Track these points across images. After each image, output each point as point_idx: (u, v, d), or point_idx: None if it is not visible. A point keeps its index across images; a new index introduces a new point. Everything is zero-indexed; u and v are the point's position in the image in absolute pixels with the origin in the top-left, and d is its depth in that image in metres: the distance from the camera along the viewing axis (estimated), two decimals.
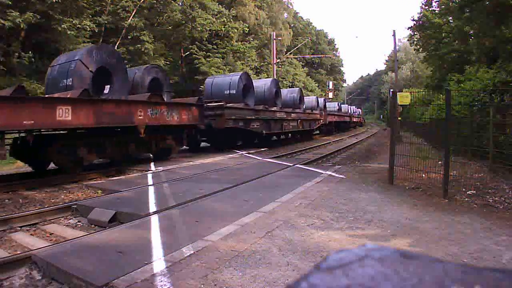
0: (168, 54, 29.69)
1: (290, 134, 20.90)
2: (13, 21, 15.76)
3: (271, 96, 17.52)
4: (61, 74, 8.83)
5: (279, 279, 2.71)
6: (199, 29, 27.82)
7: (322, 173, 7.84)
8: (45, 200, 6.28)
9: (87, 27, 19.91)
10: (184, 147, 13.88)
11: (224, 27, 31.29)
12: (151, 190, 6.22)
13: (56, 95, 8.05)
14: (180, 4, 28.46)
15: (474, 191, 5.71)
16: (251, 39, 37.80)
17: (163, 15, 27.27)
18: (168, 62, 29.42)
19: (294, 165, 9.51)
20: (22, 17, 16.07)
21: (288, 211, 4.68)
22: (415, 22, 22.91)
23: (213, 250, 3.30)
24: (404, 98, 11.95)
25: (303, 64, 57.51)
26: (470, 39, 17.09)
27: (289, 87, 35.82)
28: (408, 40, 27.75)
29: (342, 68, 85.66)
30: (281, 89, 20.29)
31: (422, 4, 21.62)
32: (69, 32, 18.57)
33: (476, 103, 9.13)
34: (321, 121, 25.14)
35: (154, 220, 4.37)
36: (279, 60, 36.14)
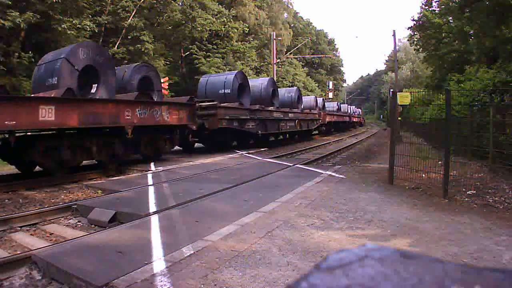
0: (168, 54, 29.70)
1: (287, 135, 20.60)
2: (13, 21, 15.76)
3: (268, 95, 17.19)
4: (47, 73, 8.56)
5: (279, 279, 2.71)
6: (199, 29, 27.83)
7: (322, 173, 7.84)
8: (45, 200, 6.28)
9: (87, 27, 19.91)
10: (178, 148, 13.62)
11: (224, 27, 31.30)
12: (151, 190, 6.22)
13: (40, 94, 7.85)
14: (180, 4, 28.47)
15: (474, 191, 5.71)
16: (251, 39, 37.82)
17: (163, 15, 27.28)
18: (168, 62, 29.43)
19: (294, 165, 9.51)
20: (22, 17, 16.07)
21: (288, 211, 4.68)
22: (415, 22, 22.92)
23: (213, 250, 3.30)
24: (404, 98, 11.97)
25: (303, 64, 57.51)
26: (470, 39, 17.09)
27: (289, 87, 35.83)
28: (408, 40, 27.75)
29: (342, 68, 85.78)
30: (278, 89, 20.07)
31: (422, 4, 21.64)
32: (69, 32, 18.57)
33: (476, 103, 9.13)
34: (320, 121, 24.91)
35: (154, 220, 4.37)
36: (279, 60, 36.14)
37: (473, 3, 12.25)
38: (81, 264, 3.01)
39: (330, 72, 74.41)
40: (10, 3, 15.46)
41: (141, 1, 24.74)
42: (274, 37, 29.17)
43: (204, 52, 30.24)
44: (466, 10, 13.57)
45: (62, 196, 6.56)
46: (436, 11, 19.99)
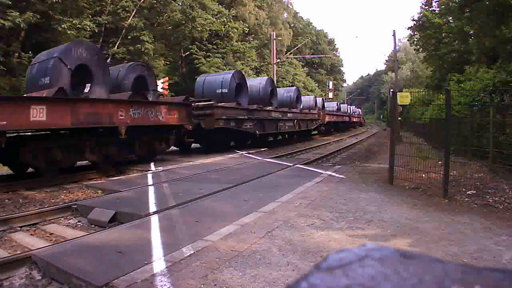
0: (168, 54, 29.72)
1: (286, 135, 20.36)
2: (13, 21, 15.77)
3: (266, 95, 16.99)
4: (40, 73, 8.42)
5: (279, 279, 2.71)
6: (199, 29, 27.85)
7: (322, 173, 7.84)
8: (45, 200, 6.28)
9: (87, 27, 19.93)
10: (174, 148, 13.46)
11: (224, 27, 31.32)
12: (151, 190, 6.22)
13: (33, 94, 7.73)
14: (180, 4, 28.49)
15: (474, 191, 5.71)
16: (251, 39, 37.84)
17: (163, 15, 27.29)
18: (168, 62, 29.44)
19: (294, 165, 9.51)
20: (22, 17, 16.08)
21: (288, 211, 4.68)
22: (415, 22, 22.92)
23: (213, 250, 3.30)
24: (404, 98, 11.98)
25: (303, 64, 57.53)
26: (470, 39, 17.09)
27: (288, 87, 35.78)
28: (408, 40, 27.75)
29: (342, 68, 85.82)
30: (277, 89, 19.86)
31: (422, 4, 21.64)
32: (69, 32, 18.59)
33: (476, 103, 9.13)
34: (319, 121, 24.73)
35: (154, 220, 4.37)
36: (279, 60, 36.15)
37: (473, 3, 12.26)
38: (81, 264, 3.01)
39: (330, 72, 74.44)
40: (10, 3, 15.48)
41: (141, 1, 24.75)
42: (274, 37, 29.17)
43: (204, 52, 30.26)
44: (466, 10, 13.57)
45: (62, 196, 6.56)
46: (436, 11, 20.00)
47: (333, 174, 7.76)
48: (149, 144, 10.14)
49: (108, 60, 22.54)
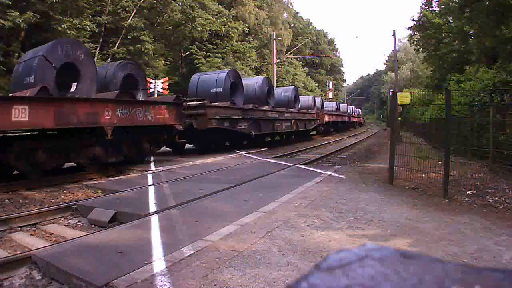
0: (168, 54, 29.74)
1: (284, 135, 19.99)
2: (13, 21, 15.78)
3: (262, 94, 16.56)
4: (25, 71, 8.16)
5: (279, 279, 2.71)
6: (199, 29, 27.86)
7: (322, 173, 7.84)
8: (45, 200, 6.28)
9: (87, 27, 19.94)
10: (168, 149, 13.28)
11: (224, 27, 31.34)
12: (151, 190, 6.22)
13: (17, 94, 7.50)
14: (180, 4, 28.50)
15: (474, 191, 5.71)
16: (251, 39, 37.86)
17: (163, 15, 27.30)
18: (168, 62, 29.46)
19: (294, 165, 9.51)
20: (22, 17, 16.09)
21: (288, 211, 4.68)
22: (415, 22, 22.92)
23: (213, 250, 3.30)
24: (404, 98, 11.98)
25: (303, 64, 57.55)
26: (470, 39, 17.09)
27: (286, 87, 35.70)
28: (408, 40, 27.75)
29: (342, 68, 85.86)
30: (275, 88, 19.52)
31: (422, 4, 21.64)
32: (69, 32, 18.59)
33: (476, 103, 9.13)
34: (318, 121, 24.43)
35: (154, 220, 4.37)
36: (279, 60, 36.15)
37: (473, 3, 12.26)
38: (81, 264, 3.02)
39: (330, 72, 74.46)
40: (10, 3, 15.48)
41: (141, 1, 24.76)
42: (274, 37, 29.16)
43: (204, 52, 30.27)
44: (466, 10, 13.57)
45: (62, 196, 6.56)
46: (436, 11, 20.00)
47: (333, 174, 7.76)
48: (138, 145, 9.80)
49: (108, 60, 22.54)
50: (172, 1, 26.76)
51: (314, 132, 26.77)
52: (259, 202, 5.18)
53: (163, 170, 8.68)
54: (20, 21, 15.95)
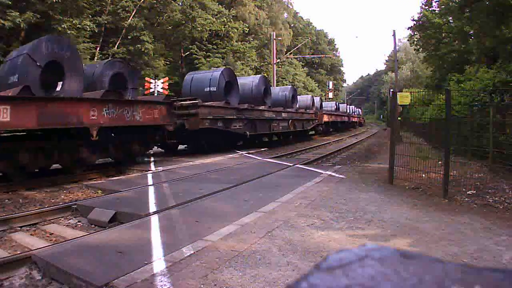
0: (168, 54, 29.74)
1: (281, 136, 19.61)
2: (13, 21, 15.78)
3: (259, 94, 16.10)
4: (10, 70, 7.94)
5: (279, 279, 2.71)
6: (199, 29, 27.86)
7: (322, 173, 7.84)
8: (45, 200, 6.28)
9: (87, 27, 19.93)
10: (161, 150, 13.13)
11: (224, 27, 31.35)
12: (151, 190, 6.22)
13: (1, 93, 7.18)
14: (180, 4, 28.50)
15: (474, 191, 5.71)
16: (251, 39, 37.87)
17: (163, 15, 27.31)
18: (168, 62, 29.46)
19: (294, 165, 9.51)
20: (22, 17, 16.08)
21: (288, 211, 4.68)
22: (415, 22, 22.92)
23: (213, 250, 3.30)
24: (404, 98, 11.98)
25: (303, 64, 57.58)
26: (470, 39, 17.10)
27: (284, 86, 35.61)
28: (408, 40, 27.75)
29: (342, 68, 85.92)
30: (272, 87, 19.12)
31: (422, 4, 21.64)
32: (69, 32, 18.58)
33: (476, 103, 9.14)
34: (316, 121, 24.14)
35: (154, 220, 4.37)
36: (279, 60, 36.16)
37: (473, 3, 12.26)
38: (81, 264, 3.02)
39: (330, 72, 74.49)
40: (10, 3, 15.47)
41: (141, 1, 24.76)
42: (274, 37, 29.17)
43: (204, 52, 30.28)
44: (466, 10, 13.57)
45: (62, 196, 6.56)
46: (436, 11, 20.01)
47: (333, 174, 7.76)
48: (127, 146, 9.50)
49: None
50: (172, 1, 26.76)
51: (313, 132, 26.70)
52: (259, 202, 5.18)
53: (163, 170, 8.68)
54: (20, 21, 15.95)
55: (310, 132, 25.57)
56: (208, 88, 13.68)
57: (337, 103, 39.85)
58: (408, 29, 24.07)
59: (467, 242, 3.52)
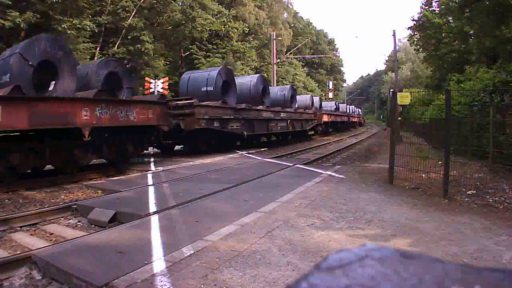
0: (168, 54, 29.73)
1: (280, 136, 19.47)
2: (13, 21, 15.77)
3: (257, 94, 15.86)
4: (2, 70, 7.82)
5: (279, 279, 2.71)
6: (199, 29, 27.86)
7: (322, 173, 7.84)
8: (45, 200, 6.28)
9: (87, 27, 19.92)
10: (157, 151, 12.98)
11: (224, 27, 31.34)
12: (151, 190, 6.22)
13: None
14: (180, 4, 28.49)
15: (474, 191, 5.71)
16: (251, 39, 37.86)
17: (163, 15, 27.30)
18: (168, 62, 29.45)
19: (294, 165, 9.51)
20: (22, 17, 16.08)
21: (288, 211, 4.68)
22: (415, 22, 22.92)
23: (213, 250, 3.30)
24: (404, 98, 11.97)
25: (303, 64, 57.57)
26: (470, 39, 17.10)
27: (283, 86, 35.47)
28: (408, 40, 27.75)
29: (342, 68, 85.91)
30: (271, 87, 18.91)
31: (422, 4, 21.64)
32: (69, 32, 18.58)
33: (476, 103, 9.14)
34: (315, 121, 24.00)
35: (154, 220, 4.37)
36: (279, 60, 36.15)
37: (473, 3, 12.26)
38: (81, 264, 3.02)
39: (330, 72, 74.48)
40: (10, 3, 15.47)
41: (141, 1, 24.75)
42: (274, 37, 29.17)
43: (204, 52, 30.27)
44: (466, 10, 13.57)
45: (62, 196, 6.56)
46: (436, 11, 20.01)
47: (333, 174, 7.76)
48: (120, 147, 9.28)
49: None
50: (172, 1, 26.75)
51: (313, 133, 26.67)
52: (259, 202, 5.18)
53: (163, 170, 8.68)
54: (20, 21, 15.94)
55: (310, 132, 25.49)
56: (205, 87, 13.49)
57: (336, 103, 39.81)
58: (408, 29, 24.09)
59: (467, 242, 3.52)
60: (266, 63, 40.06)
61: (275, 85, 27.14)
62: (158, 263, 3.00)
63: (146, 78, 20.17)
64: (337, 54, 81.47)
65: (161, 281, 2.67)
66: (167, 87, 19.64)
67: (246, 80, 16.60)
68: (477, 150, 8.34)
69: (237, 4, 36.80)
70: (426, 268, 0.34)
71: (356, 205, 4.94)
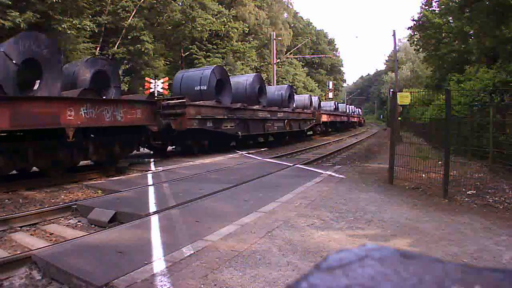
0: (168, 54, 29.73)
1: (277, 136, 19.10)
2: (13, 21, 15.76)
3: (253, 93, 15.43)
4: None
5: (279, 279, 2.71)
6: (199, 29, 27.85)
7: (322, 173, 7.84)
8: (45, 200, 6.28)
9: (87, 27, 19.91)
10: (150, 151, 12.83)
11: (224, 27, 31.33)
12: (151, 190, 6.22)
13: None
14: (180, 4, 28.49)
15: (474, 191, 5.71)
16: (251, 39, 37.86)
17: (163, 15, 27.29)
18: (168, 62, 29.45)
19: (294, 165, 9.51)
20: (22, 17, 16.07)
21: (288, 211, 4.68)
22: (415, 22, 22.91)
23: (213, 250, 3.30)
24: (404, 98, 11.96)
25: (303, 64, 57.55)
26: (470, 39, 17.10)
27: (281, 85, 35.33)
28: (408, 40, 27.73)
29: (342, 68, 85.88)
30: (268, 86, 18.68)
31: (422, 4, 21.63)
32: (69, 32, 18.57)
33: (476, 103, 9.14)
34: (314, 121, 23.69)
35: (154, 220, 4.37)
36: (279, 60, 36.15)
37: (473, 3, 12.26)
38: (81, 264, 3.02)
39: (330, 72, 74.46)
40: (10, 3, 15.46)
41: (141, 1, 24.74)
42: (274, 37, 29.16)
43: (204, 52, 30.27)
44: (466, 10, 13.57)
45: (62, 196, 6.57)
46: (436, 11, 20.00)
47: (333, 174, 7.76)
48: (107, 148, 9.00)
49: None
50: (172, 1, 26.74)
51: (311, 133, 26.60)
52: (259, 202, 5.18)
53: (163, 170, 8.68)
54: (20, 21, 15.93)
55: (309, 133, 25.39)
56: (199, 86, 13.10)
57: (336, 102, 39.73)
58: (408, 29, 24.08)
59: (467, 242, 3.52)
60: (266, 63, 40.06)
61: (275, 85, 27.13)
62: (158, 263, 3.00)
63: (146, 78, 20.17)
64: (337, 54, 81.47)
65: (161, 281, 2.67)
66: (167, 87, 19.64)
67: (242, 79, 16.21)
68: (477, 150, 8.34)
69: (237, 4, 36.79)
70: (426, 268, 0.34)
71: (356, 205, 4.94)
